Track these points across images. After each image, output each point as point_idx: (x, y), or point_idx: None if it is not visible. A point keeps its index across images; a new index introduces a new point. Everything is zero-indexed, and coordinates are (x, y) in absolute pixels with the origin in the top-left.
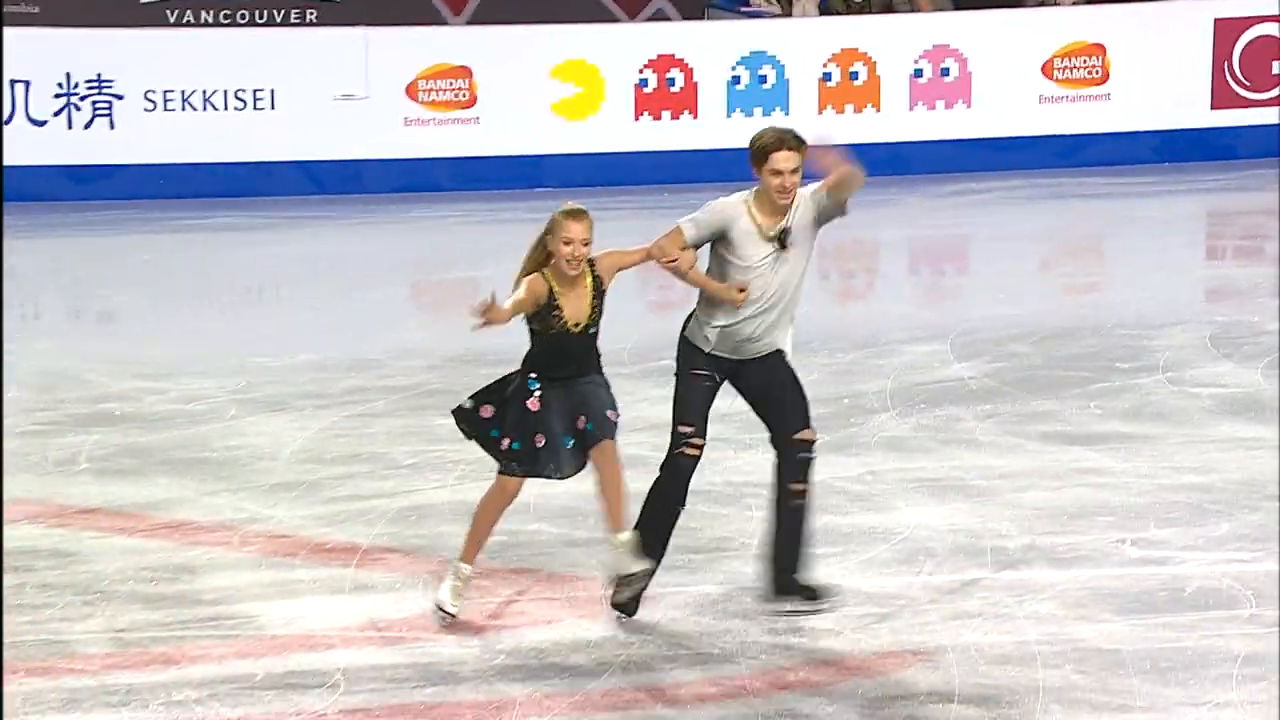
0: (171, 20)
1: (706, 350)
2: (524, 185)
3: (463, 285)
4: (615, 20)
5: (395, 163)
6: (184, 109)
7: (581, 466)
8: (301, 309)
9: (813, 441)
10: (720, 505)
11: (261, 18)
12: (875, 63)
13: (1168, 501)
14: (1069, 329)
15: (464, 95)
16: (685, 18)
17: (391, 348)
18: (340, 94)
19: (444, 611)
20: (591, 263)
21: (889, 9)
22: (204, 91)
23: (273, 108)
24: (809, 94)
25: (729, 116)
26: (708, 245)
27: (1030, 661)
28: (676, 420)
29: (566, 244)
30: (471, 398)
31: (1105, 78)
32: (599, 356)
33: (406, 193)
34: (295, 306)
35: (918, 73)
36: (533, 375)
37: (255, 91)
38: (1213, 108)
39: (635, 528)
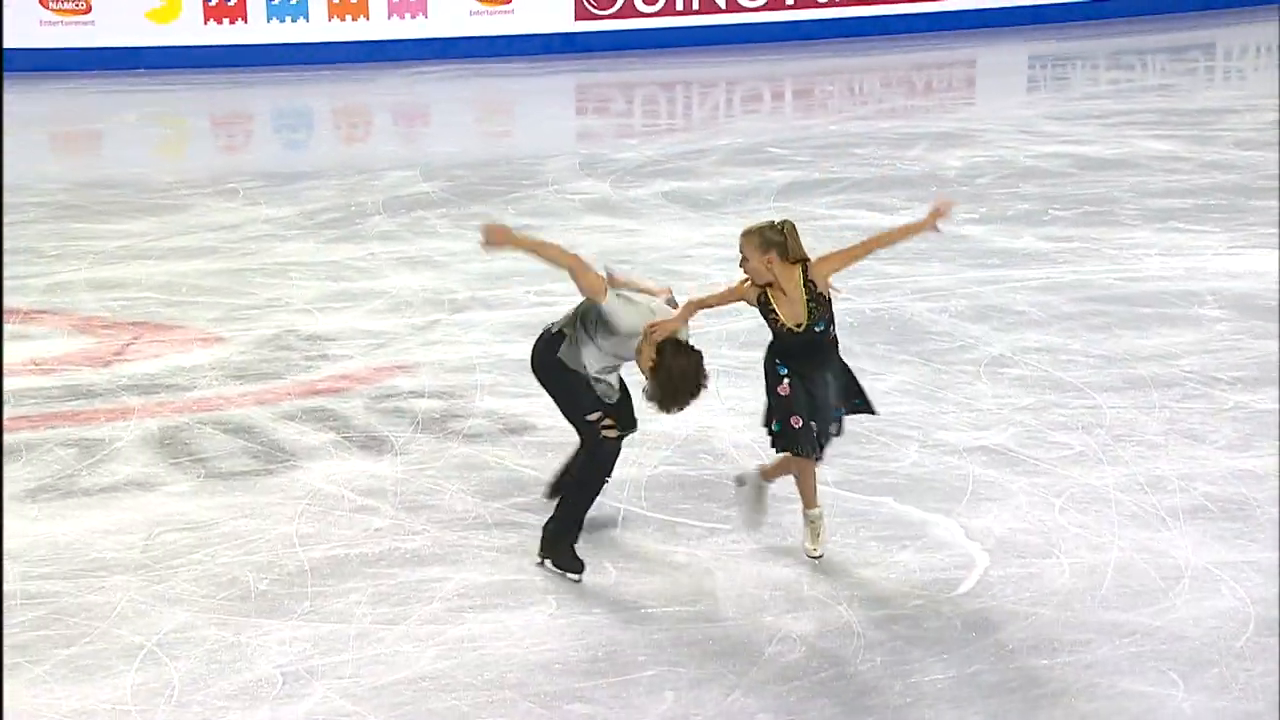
0: None
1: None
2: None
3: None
4: None
5: (37, 51)
6: None
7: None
8: None
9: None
10: None
11: None
12: None
13: (657, 262)
14: (492, 160)
15: (83, 5)
16: None
17: None
18: None
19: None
20: (805, 267)
21: None
22: None
23: None
24: (321, 5)
25: (269, 22)
26: None
27: (472, 369)
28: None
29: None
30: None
31: None
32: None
33: (45, 71)
34: None
35: None
36: (778, 361)
37: None
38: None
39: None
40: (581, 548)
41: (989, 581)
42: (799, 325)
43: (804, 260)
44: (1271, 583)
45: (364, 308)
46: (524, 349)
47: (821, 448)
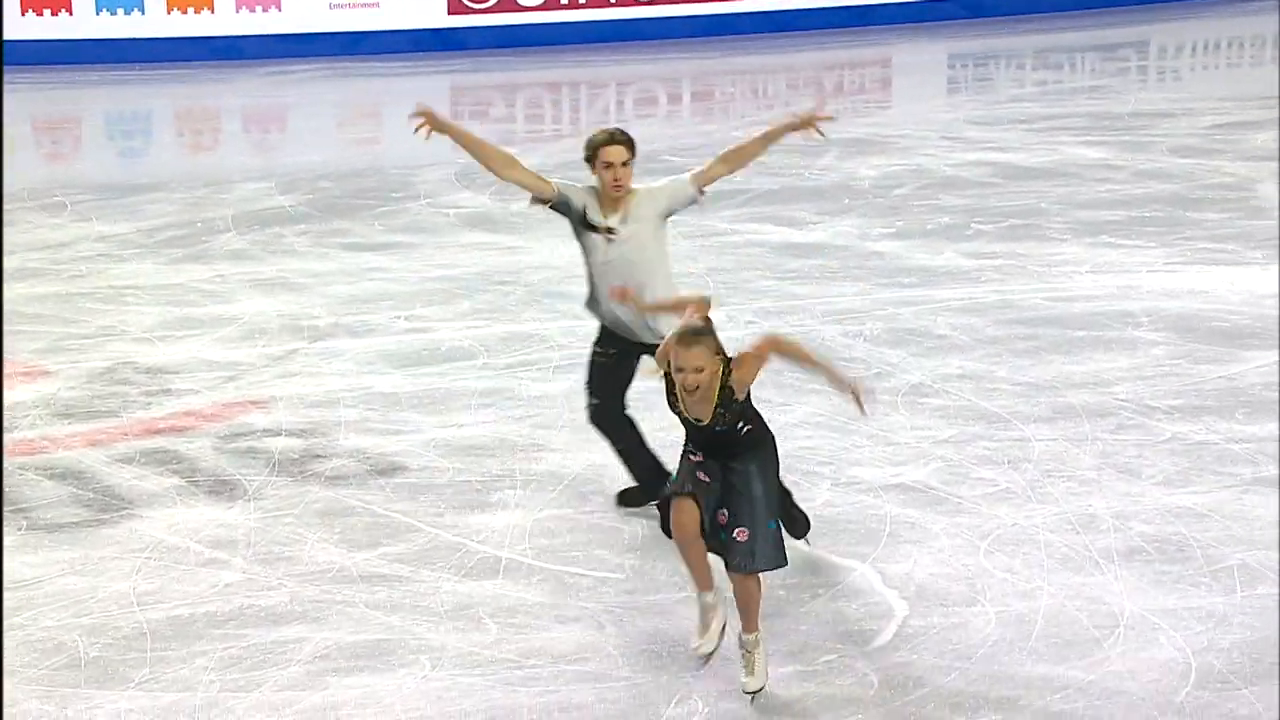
0: None
1: (608, 332)
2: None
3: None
4: None
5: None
6: None
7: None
8: None
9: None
10: None
11: None
12: None
13: (430, 289)
14: (358, 170)
15: None
16: None
17: None
18: None
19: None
20: (727, 374)
21: None
22: None
23: None
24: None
25: (98, 14)
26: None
27: (335, 404)
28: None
29: (678, 371)
30: None
31: None
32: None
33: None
34: None
35: None
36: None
37: None
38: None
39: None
40: (456, 602)
41: (908, 633)
42: (699, 421)
43: (727, 364)
44: (1214, 631)
45: (212, 336)
46: (393, 381)
47: (758, 562)
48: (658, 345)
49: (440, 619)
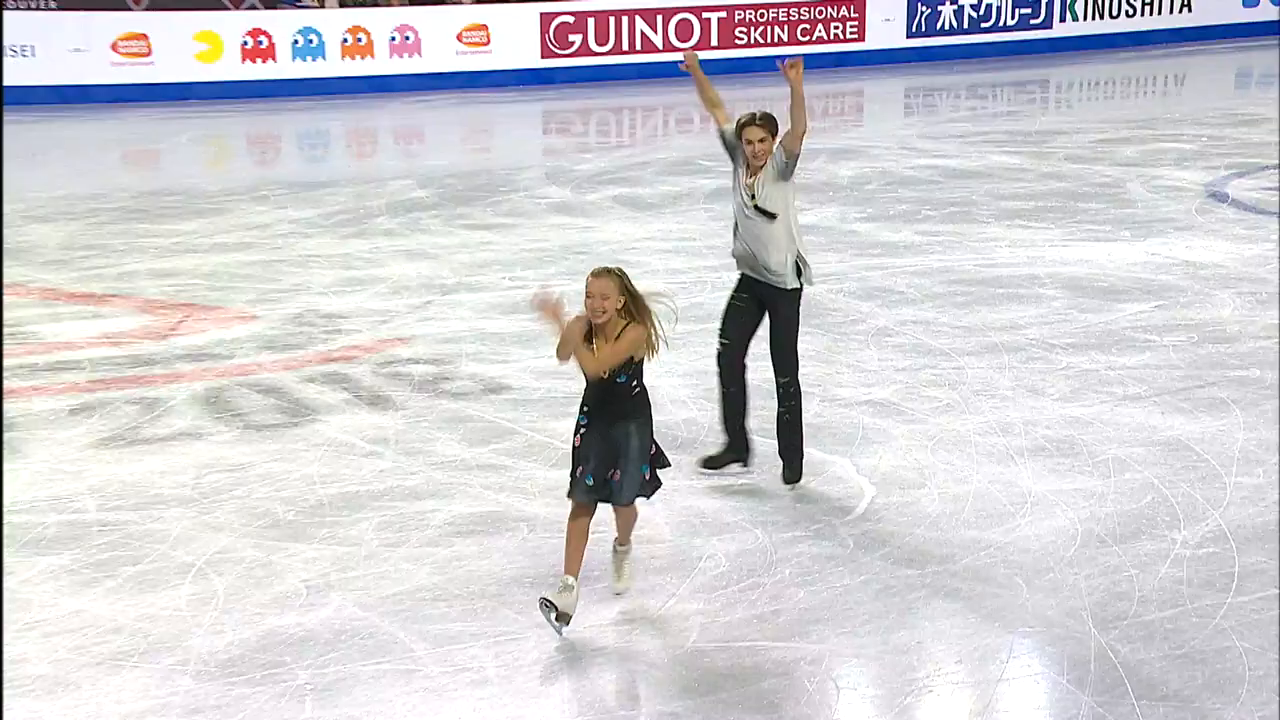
0: None
1: (745, 278)
2: (182, 99)
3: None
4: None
5: (108, 86)
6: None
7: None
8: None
9: (786, 381)
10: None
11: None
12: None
13: (526, 257)
14: (475, 171)
15: (145, 49)
16: (267, 8)
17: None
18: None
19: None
20: (629, 324)
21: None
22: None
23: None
24: (336, 47)
25: (293, 61)
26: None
27: (458, 340)
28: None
29: (589, 297)
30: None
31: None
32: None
33: (115, 103)
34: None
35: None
36: (582, 410)
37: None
38: (542, 56)
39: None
40: (546, 485)
41: (875, 508)
42: (603, 374)
43: (629, 321)
44: (1094, 505)
45: (370, 291)
46: (500, 324)
47: (625, 495)
48: (778, 288)
49: (534, 497)
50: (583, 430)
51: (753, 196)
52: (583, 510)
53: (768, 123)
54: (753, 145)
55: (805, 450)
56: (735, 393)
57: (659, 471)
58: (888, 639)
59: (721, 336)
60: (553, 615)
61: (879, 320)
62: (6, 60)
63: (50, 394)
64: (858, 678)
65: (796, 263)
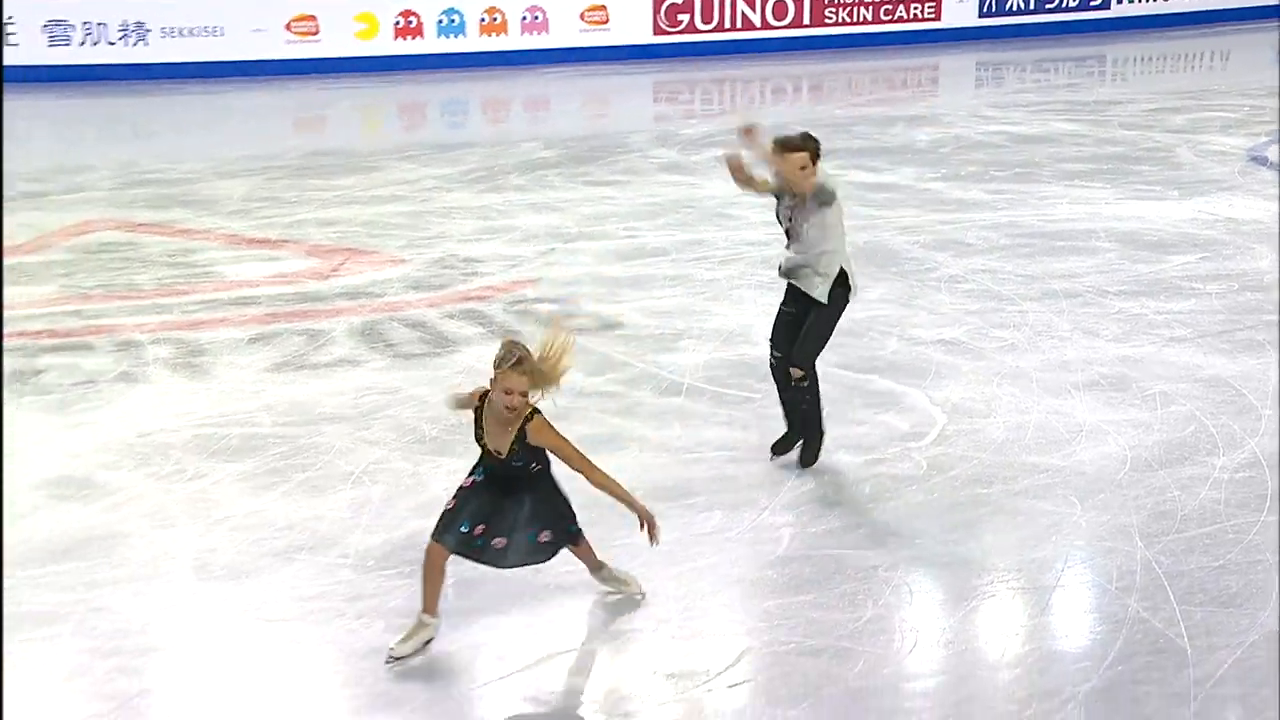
0: None
1: (791, 289)
2: (343, 72)
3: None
4: None
5: (281, 61)
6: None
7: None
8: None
9: (800, 376)
10: None
11: None
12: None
13: (639, 210)
14: (594, 134)
15: (313, 29)
16: None
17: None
18: (254, 28)
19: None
20: (530, 418)
21: None
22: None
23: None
24: (475, 25)
25: (438, 38)
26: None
27: (579, 283)
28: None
29: (506, 393)
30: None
31: (607, 20)
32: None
33: (287, 76)
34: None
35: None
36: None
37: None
38: (654, 33)
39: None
40: (655, 410)
41: (945, 434)
42: (498, 452)
43: (534, 412)
44: (1141, 434)
45: (503, 239)
46: (616, 269)
47: (509, 562)
48: (821, 302)
49: (645, 420)
50: (476, 481)
51: (790, 219)
52: (441, 554)
53: (808, 149)
54: (794, 170)
55: (885, 381)
56: (791, 395)
57: (569, 532)
58: (955, 550)
59: (773, 349)
60: (395, 655)
61: (951, 269)
62: (198, 40)
63: (233, 324)
64: (928, 583)
65: (835, 280)
